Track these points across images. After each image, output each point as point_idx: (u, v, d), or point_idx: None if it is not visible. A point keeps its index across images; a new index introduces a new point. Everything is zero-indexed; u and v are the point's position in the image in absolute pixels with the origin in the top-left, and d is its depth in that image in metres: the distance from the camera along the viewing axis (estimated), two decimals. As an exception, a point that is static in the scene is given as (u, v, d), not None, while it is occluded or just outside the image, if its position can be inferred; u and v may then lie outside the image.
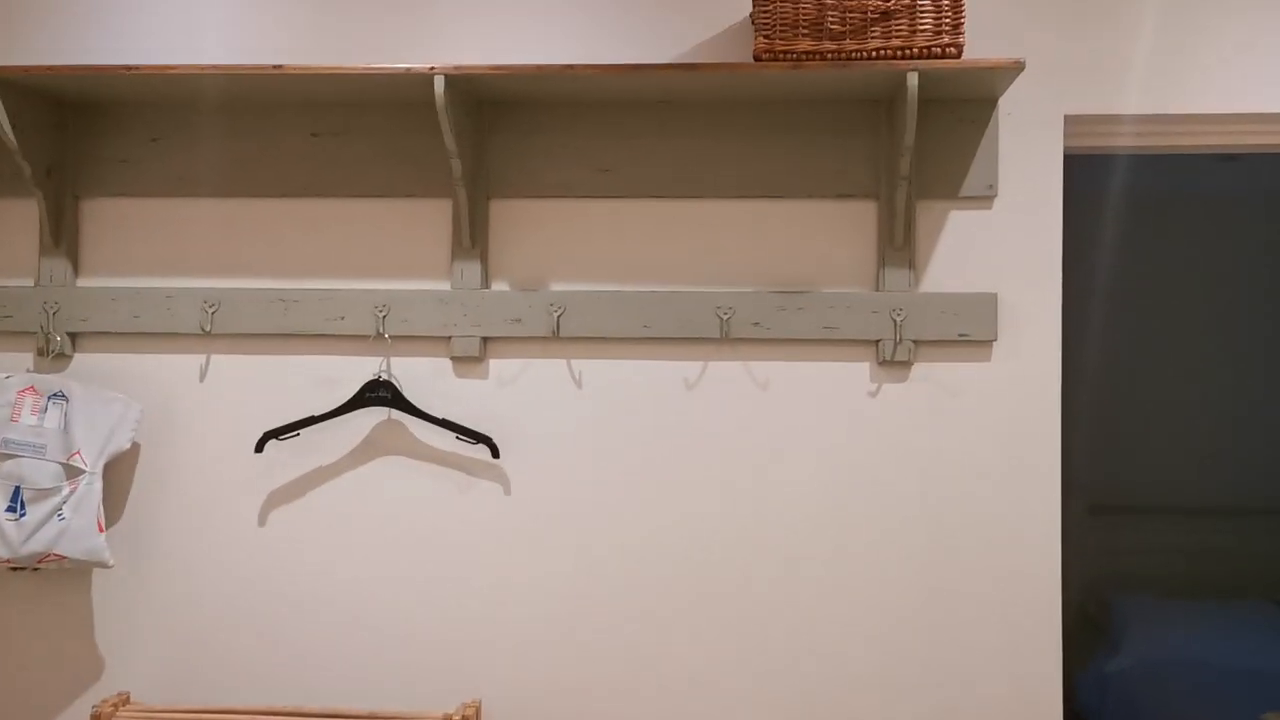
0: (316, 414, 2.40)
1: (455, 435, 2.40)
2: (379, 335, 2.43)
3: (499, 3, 2.47)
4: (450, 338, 2.43)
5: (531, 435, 2.43)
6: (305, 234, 2.49)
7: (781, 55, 2.17)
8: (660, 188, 2.42)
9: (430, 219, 2.47)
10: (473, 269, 2.43)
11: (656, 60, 2.43)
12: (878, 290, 2.38)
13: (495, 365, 2.45)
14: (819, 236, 2.41)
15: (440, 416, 2.40)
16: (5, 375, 2.40)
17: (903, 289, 2.36)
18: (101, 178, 2.51)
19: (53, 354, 2.48)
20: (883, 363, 2.37)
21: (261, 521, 2.46)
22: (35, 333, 2.48)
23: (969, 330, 2.34)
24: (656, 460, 2.41)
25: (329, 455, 2.46)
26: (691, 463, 2.41)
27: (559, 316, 2.40)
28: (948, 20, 2.13)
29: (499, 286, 2.45)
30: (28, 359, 2.51)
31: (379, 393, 2.39)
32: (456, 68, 2.20)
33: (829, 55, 2.16)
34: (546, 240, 2.45)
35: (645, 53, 2.44)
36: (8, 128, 2.30)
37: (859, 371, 2.39)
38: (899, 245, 2.35)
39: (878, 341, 2.37)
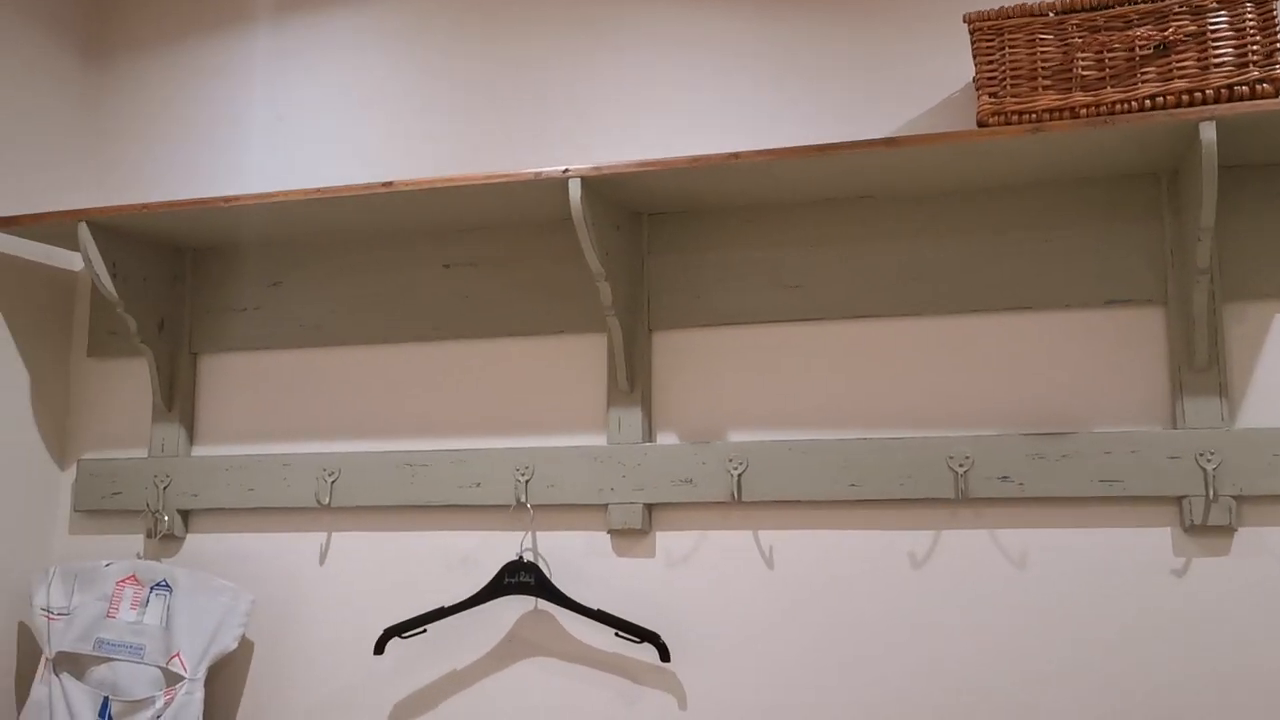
0: (446, 605, 1.95)
1: (614, 631, 1.88)
2: (520, 505, 1.97)
3: (653, 96, 2.05)
4: (607, 505, 1.94)
5: (710, 630, 1.89)
6: (434, 384, 2.09)
7: (1015, 117, 1.61)
8: (864, 305, 1.89)
9: (581, 359, 2.02)
10: (633, 418, 1.95)
11: (851, 145, 1.93)
12: (1175, 428, 1.73)
13: (663, 539, 1.94)
14: (1084, 358, 1.79)
15: (595, 607, 1.91)
16: (106, 563, 2.08)
17: (1213, 424, 1.70)
18: (218, 330, 2.21)
19: (160, 535, 2.14)
20: (1190, 529, 1.70)
21: (385, 739, 2.01)
22: (143, 511, 2.16)
23: (1318, 480, 1.65)
24: (874, 665, 1.81)
25: (463, 656, 1.99)
26: (922, 669, 1.79)
27: (740, 475, 1.87)
28: (1256, 47, 1.52)
29: (665, 439, 1.96)
30: (137, 541, 2.19)
31: (520, 577, 1.93)
32: (595, 168, 1.76)
33: (1081, 111, 1.59)
34: (723, 379, 1.95)
35: (834, 138, 1.94)
36: (106, 278, 2.03)
37: (1155, 541, 1.73)
38: (1202, 365, 1.70)
39: (1180, 499, 1.71)
